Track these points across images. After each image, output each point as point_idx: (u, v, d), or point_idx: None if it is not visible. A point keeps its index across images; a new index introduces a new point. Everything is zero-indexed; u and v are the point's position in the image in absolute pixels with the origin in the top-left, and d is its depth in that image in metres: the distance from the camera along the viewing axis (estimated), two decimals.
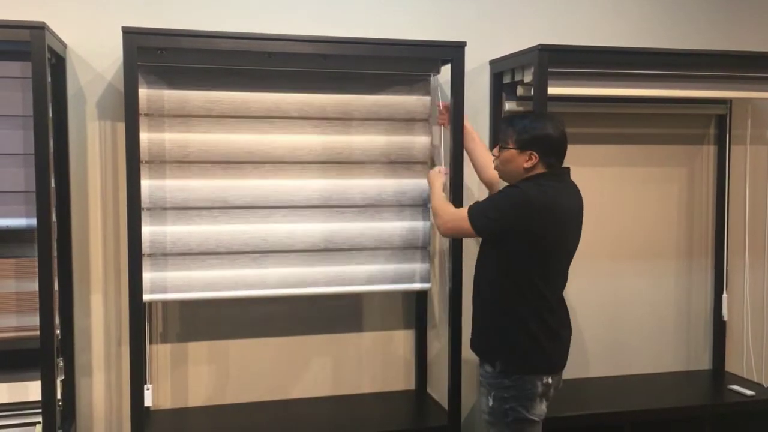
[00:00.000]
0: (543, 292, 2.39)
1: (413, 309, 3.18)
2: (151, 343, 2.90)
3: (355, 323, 3.14)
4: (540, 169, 2.41)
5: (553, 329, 2.43)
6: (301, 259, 2.87)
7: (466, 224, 2.46)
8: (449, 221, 2.56)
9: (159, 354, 2.93)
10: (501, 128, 2.52)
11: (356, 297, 3.12)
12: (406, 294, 3.16)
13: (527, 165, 2.40)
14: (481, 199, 2.51)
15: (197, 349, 2.98)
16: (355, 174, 2.92)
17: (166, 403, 2.95)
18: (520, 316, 2.41)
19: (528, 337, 2.41)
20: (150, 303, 2.86)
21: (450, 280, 2.85)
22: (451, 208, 2.63)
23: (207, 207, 2.78)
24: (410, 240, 2.97)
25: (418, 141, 2.96)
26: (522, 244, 2.38)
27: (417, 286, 3.00)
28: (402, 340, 3.19)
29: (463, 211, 2.50)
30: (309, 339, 3.09)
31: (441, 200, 2.68)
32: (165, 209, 2.74)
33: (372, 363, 3.17)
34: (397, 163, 2.95)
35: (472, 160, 2.89)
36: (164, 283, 2.76)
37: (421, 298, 3.15)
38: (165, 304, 2.93)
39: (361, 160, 2.91)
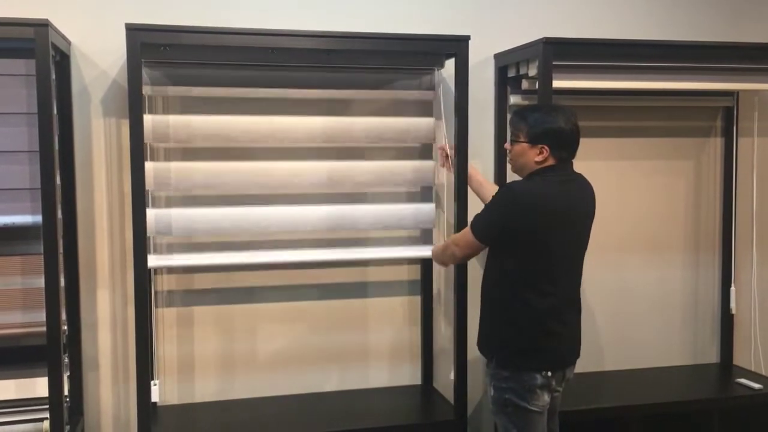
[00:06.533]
0: (540, 289, 2.37)
1: (419, 301, 3.18)
2: (156, 307, 2.91)
3: (361, 322, 3.15)
4: (549, 163, 2.40)
5: (549, 327, 2.40)
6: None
7: (472, 238, 2.45)
8: (459, 245, 2.54)
9: (165, 357, 2.95)
10: (513, 122, 2.50)
11: (362, 282, 3.13)
12: (413, 283, 3.17)
13: (538, 158, 2.39)
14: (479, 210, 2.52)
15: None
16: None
17: (173, 399, 2.96)
18: (514, 313, 2.41)
19: (521, 334, 2.40)
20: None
21: (455, 275, 2.85)
22: (455, 235, 2.66)
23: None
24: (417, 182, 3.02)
25: (422, 127, 2.97)
26: (514, 240, 2.38)
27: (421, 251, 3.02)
28: (408, 334, 3.19)
29: (467, 228, 2.50)
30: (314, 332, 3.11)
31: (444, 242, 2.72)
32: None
33: (378, 357, 3.17)
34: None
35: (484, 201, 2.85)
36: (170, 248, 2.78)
37: (427, 292, 3.15)
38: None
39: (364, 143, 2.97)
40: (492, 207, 2.44)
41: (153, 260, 2.71)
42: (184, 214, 2.81)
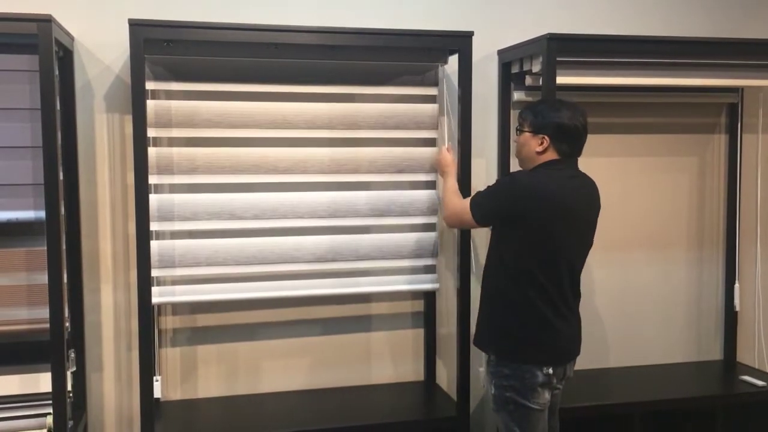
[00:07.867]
0: (539, 282, 2.37)
1: (422, 301, 3.18)
2: (160, 347, 2.92)
3: (364, 322, 3.15)
4: (551, 156, 2.40)
5: (547, 320, 2.39)
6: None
7: (468, 216, 2.49)
8: (453, 214, 2.59)
9: (168, 356, 2.95)
10: (521, 113, 2.53)
11: (365, 297, 3.13)
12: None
13: (539, 149, 2.41)
14: (483, 189, 2.52)
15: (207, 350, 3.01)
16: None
17: (176, 395, 2.96)
18: (513, 305, 2.41)
19: (520, 326, 2.40)
20: (159, 306, 2.88)
21: (458, 270, 2.85)
22: (456, 199, 2.63)
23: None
24: (417, 249, 3.00)
25: (425, 121, 2.97)
26: (514, 231, 2.38)
27: (424, 286, 3.05)
28: (411, 331, 3.19)
29: (467, 203, 2.51)
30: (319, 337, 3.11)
31: (450, 192, 2.68)
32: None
33: (381, 354, 3.17)
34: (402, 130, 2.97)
35: None
36: (172, 287, 2.80)
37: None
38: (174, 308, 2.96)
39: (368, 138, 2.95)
40: (493, 192, 2.46)
41: (156, 297, 2.72)
42: (187, 199, 2.79)
